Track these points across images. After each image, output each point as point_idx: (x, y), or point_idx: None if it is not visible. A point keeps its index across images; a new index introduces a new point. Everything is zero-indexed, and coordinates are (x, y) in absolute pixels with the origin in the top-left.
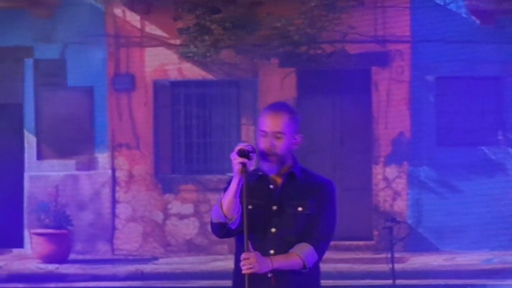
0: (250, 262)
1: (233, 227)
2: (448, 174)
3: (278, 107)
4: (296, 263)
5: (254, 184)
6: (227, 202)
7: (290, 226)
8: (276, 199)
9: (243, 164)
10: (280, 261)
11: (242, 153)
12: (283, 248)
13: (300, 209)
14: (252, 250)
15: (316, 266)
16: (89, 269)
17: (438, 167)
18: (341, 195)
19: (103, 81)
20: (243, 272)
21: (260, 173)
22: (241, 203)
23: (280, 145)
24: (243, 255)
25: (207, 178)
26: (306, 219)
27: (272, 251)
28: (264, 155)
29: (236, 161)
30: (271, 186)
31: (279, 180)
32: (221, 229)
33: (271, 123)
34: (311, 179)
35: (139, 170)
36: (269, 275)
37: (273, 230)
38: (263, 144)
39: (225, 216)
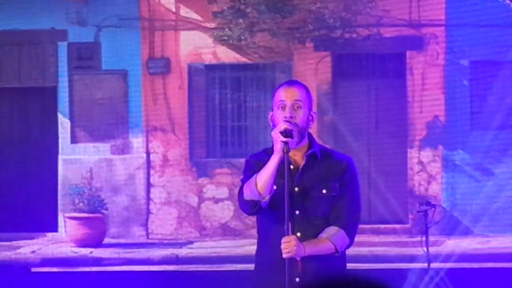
0: (290, 246)
1: (264, 206)
2: (482, 158)
3: (293, 81)
4: (328, 248)
5: None
6: (263, 180)
7: (315, 209)
8: (298, 180)
9: (286, 143)
10: (312, 247)
11: (287, 133)
12: (309, 230)
13: (324, 191)
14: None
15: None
16: (123, 253)
17: (472, 150)
18: (376, 179)
19: (137, 65)
20: (283, 256)
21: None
22: (274, 183)
23: (300, 116)
24: (285, 238)
25: (242, 162)
26: (331, 201)
27: (298, 234)
28: (284, 129)
29: (280, 139)
30: (291, 167)
31: (299, 160)
32: (252, 207)
33: (289, 93)
34: (332, 159)
35: (174, 154)
36: (297, 258)
37: (297, 212)
38: (282, 116)
39: (259, 194)
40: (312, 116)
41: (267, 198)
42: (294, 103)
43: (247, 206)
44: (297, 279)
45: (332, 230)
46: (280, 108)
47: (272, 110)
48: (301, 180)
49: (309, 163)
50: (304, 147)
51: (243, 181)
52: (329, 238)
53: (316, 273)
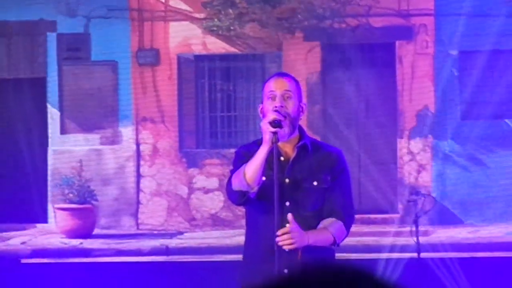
0: (296, 236)
1: (252, 196)
2: (472, 147)
3: (283, 73)
4: (328, 239)
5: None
6: (252, 170)
7: (305, 201)
8: (289, 172)
9: (275, 134)
10: (314, 237)
11: (276, 123)
12: (298, 221)
13: (315, 183)
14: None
15: None
16: (113, 244)
17: (462, 140)
18: (366, 168)
19: (127, 56)
20: (286, 247)
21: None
22: (264, 174)
23: (290, 106)
24: (288, 229)
25: (232, 153)
26: (321, 193)
27: (288, 226)
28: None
29: (269, 130)
30: (282, 158)
31: (290, 152)
32: (240, 197)
33: (279, 84)
34: (322, 151)
35: (164, 144)
36: (286, 249)
37: (287, 204)
38: (272, 106)
39: (248, 185)
40: (302, 108)
41: (255, 188)
42: (284, 93)
43: (235, 196)
44: (286, 270)
45: (330, 222)
46: (270, 98)
47: (262, 102)
48: (292, 172)
49: (300, 155)
50: (295, 139)
51: (232, 172)
52: (330, 230)
53: (305, 264)
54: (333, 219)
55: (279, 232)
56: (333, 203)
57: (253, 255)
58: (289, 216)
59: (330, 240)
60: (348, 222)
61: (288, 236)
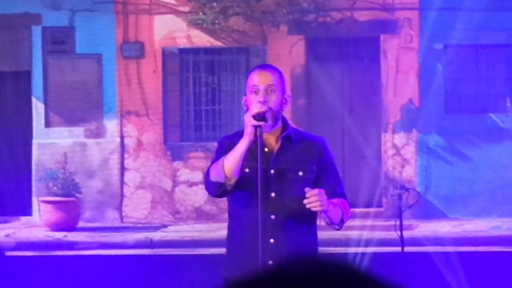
0: (322, 199)
1: (229, 188)
2: (456, 142)
3: (266, 65)
4: (338, 214)
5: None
6: (231, 162)
7: (291, 191)
8: (274, 162)
9: (259, 127)
10: (332, 208)
11: (259, 117)
12: (284, 212)
13: (300, 173)
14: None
15: (315, 232)
16: (97, 237)
17: (447, 134)
18: (350, 162)
19: (111, 49)
20: (316, 209)
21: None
22: (247, 166)
23: (273, 100)
24: (316, 191)
25: (216, 146)
26: (307, 183)
27: (273, 216)
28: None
29: (251, 123)
30: (266, 149)
31: (273, 143)
32: (217, 189)
33: (262, 78)
34: (306, 141)
35: (148, 138)
36: (271, 241)
37: (272, 194)
38: (255, 100)
39: (226, 177)
40: (285, 99)
41: (233, 181)
42: (268, 87)
43: (212, 188)
44: (270, 262)
45: (339, 200)
46: (253, 92)
47: (246, 95)
48: (277, 163)
49: (284, 146)
50: (278, 130)
51: (213, 162)
52: (340, 206)
53: (289, 255)
54: (340, 198)
55: (308, 194)
56: (332, 188)
57: (236, 247)
58: (307, 188)
59: (339, 215)
60: (348, 203)
61: (316, 198)
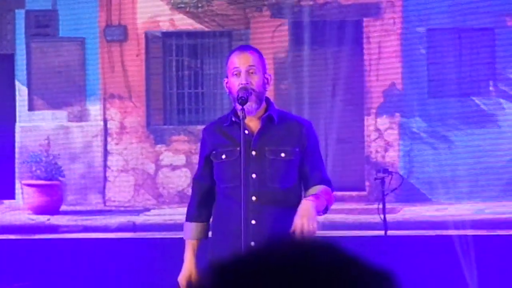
0: (309, 223)
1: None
2: (439, 125)
3: (245, 46)
4: (322, 205)
5: (226, 129)
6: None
7: (272, 172)
8: (255, 144)
9: (242, 110)
10: (317, 204)
11: (242, 101)
12: (265, 194)
13: (283, 155)
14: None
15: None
16: (80, 220)
17: (430, 118)
18: (333, 146)
19: (95, 32)
20: (311, 233)
21: (233, 118)
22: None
23: (255, 81)
24: (299, 226)
25: (199, 129)
26: (289, 165)
27: (254, 198)
28: (240, 96)
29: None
30: (246, 132)
31: (254, 125)
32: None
33: (243, 60)
34: (290, 122)
35: (131, 122)
36: (253, 222)
37: (253, 176)
38: (237, 82)
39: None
40: (267, 79)
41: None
42: (249, 69)
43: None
44: (252, 243)
45: (322, 188)
46: (234, 75)
47: (227, 77)
48: (258, 143)
49: (265, 126)
50: (261, 111)
51: (200, 157)
52: (323, 196)
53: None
54: (324, 186)
55: (296, 232)
56: (317, 173)
57: (220, 229)
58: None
59: (324, 205)
60: (332, 189)
61: (306, 226)
